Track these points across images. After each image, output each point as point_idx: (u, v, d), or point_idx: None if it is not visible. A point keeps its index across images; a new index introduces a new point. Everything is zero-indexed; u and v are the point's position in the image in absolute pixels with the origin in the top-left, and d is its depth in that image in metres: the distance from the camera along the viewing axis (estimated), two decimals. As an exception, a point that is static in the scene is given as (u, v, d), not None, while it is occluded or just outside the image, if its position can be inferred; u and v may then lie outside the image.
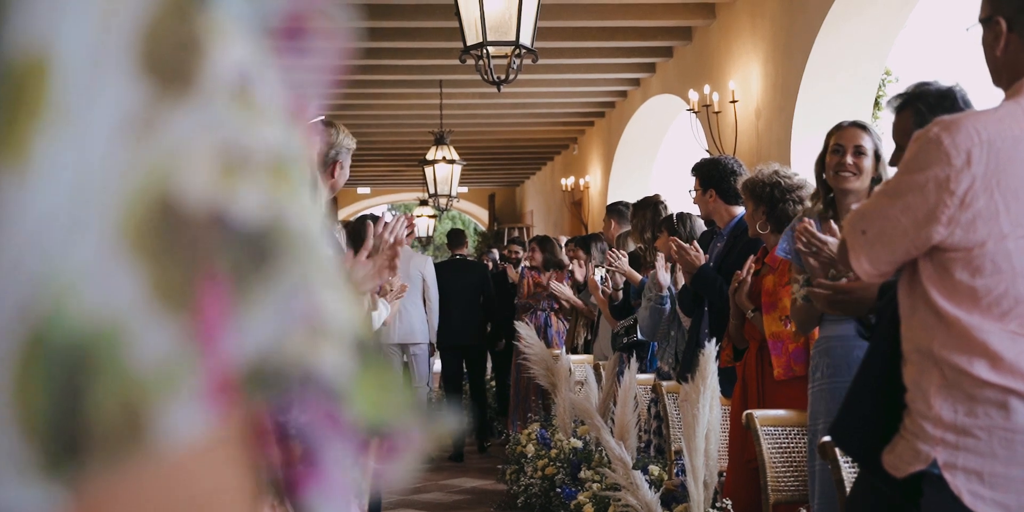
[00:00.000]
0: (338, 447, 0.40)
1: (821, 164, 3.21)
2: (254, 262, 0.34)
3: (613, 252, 5.27)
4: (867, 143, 3.15)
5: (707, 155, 7.18)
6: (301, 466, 0.40)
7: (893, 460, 1.90)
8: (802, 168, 5.28)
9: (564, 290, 6.76)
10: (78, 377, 0.31)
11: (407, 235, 2.84)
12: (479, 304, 8.28)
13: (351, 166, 3.07)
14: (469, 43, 5.54)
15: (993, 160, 1.81)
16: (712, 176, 4.39)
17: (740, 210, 4.19)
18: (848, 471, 2.43)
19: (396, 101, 10.56)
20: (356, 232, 4.48)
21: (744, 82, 7.29)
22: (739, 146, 7.25)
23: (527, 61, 5.72)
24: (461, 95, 10.20)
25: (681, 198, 5.53)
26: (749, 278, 3.62)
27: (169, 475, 0.33)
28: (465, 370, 8.65)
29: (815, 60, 6.31)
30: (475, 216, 21.44)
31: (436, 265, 8.04)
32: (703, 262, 4.14)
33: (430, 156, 10.16)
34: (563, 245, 7.98)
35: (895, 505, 1.98)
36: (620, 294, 5.60)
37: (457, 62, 5.92)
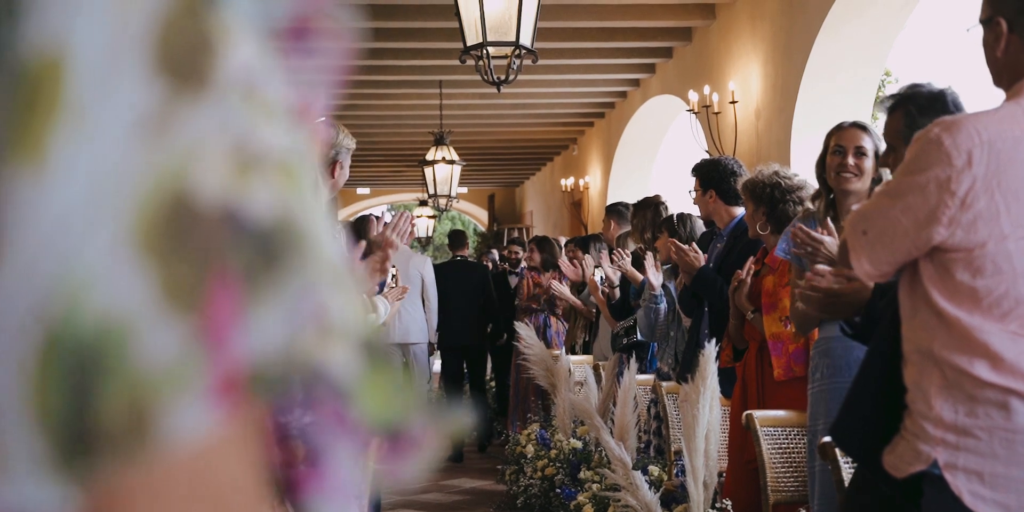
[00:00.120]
0: (344, 447, 0.40)
1: (822, 165, 3.21)
2: (264, 261, 0.35)
3: (619, 252, 5.28)
4: (868, 144, 3.15)
5: (707, 156, 7.18)
6: (304, 466, 0.40)
7: (894, 460, 1.91)
8: (802, 169, 5.28)
9: (564, 290, 6.77)
10: (90, 376, 0.31)
11: (408, 234, 2.85)
12: (480, 305, 8.28)
13: (351, 166, 3.07)
14: (469, 43, 5.53)
15: (994, 161, 1.81)
16: (712, 177, 4.39)
17: (740, 211, 4.19)
18: (848, 472, 2.43)
19: (396, 101, 10.56)
20: (357, 231, 4.48)
21: (744, 83, 7.29)
22: (739, 147, 7.25)
23: (527, 61, 5.72)
24: (461, 95, 10.19)
25: (680, 199, 5.54)
26: (749, 279, 3.62)
27: (177, 473, 0.33)
28: (465, 370, 8.66)
29: (815, 61, 6.31)
30: (475, 217, 21.44)
31: (437, 266, 8.04)
32: (702, 263, 4.14)
33: (430, 156, 10.15)
34: (563, 246, 7.98)
35: (889, 506, 1.99)
36: (617, 292, 5.60)
37: (457, 62, 5.92)
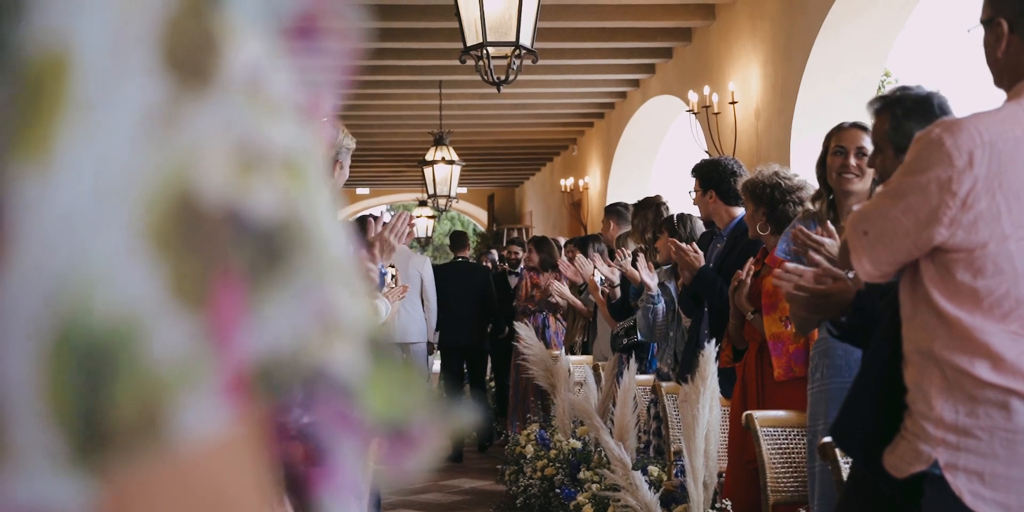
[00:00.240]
0: (349, 446, 0.40)
1: (822, 166, 3.21)
2: (269, 259, 0.35)
3: (620, 252, 5.28)
4: (868, 144, 3.15)
5: (706, 156, 7.18)
6: (310, 465, 0.40)
7: (894, 461, 1.91)
8: (802, 169, 5.28)
9: (564, 290, 6.77)
10: (101, 373, 0.31)
11: (407, 234, 2.85)
12: (480, 306, 8.29)
13: (351, 166, 3.07)
14: (469, 43, 5.53)
15: (995, 161, 1.81)
16: (712, 177, 4.39)
17: (740, 211, 4.19)
18: (848, 472, 2.43)
19: (396, 102, 10.55)
20: (356, 231, 4.48)
21: (744, 83, 7.29)
22: (739, 147, 7.25)
23: (527, 62, 5.72)
24: (461, 96, 10.19)
25: (680, 199, 5.54)
26: (749, 279, 3.62)
27: (186, 470, 0.33)
28: (465, 370, 8.66)
29: (815, 61, 6.31)
30: (474, 217, 21.43)
31: (438, 267, 8.05)
32: (702, 263, 4.14)
33: (429, 157, 10.15)
34: (562, 246, 7.98)
35: (884, 506, 1.99)
36: (618, 291, 5.60)
37: (457, 63, 5.92)
